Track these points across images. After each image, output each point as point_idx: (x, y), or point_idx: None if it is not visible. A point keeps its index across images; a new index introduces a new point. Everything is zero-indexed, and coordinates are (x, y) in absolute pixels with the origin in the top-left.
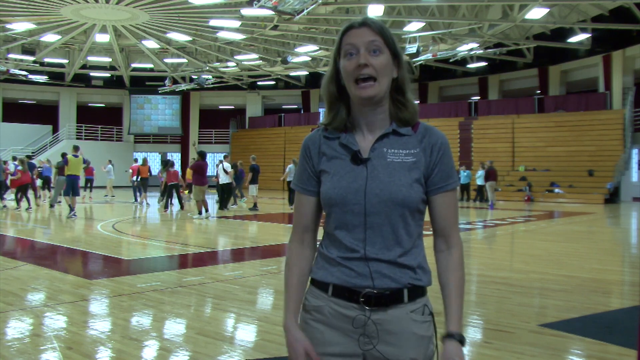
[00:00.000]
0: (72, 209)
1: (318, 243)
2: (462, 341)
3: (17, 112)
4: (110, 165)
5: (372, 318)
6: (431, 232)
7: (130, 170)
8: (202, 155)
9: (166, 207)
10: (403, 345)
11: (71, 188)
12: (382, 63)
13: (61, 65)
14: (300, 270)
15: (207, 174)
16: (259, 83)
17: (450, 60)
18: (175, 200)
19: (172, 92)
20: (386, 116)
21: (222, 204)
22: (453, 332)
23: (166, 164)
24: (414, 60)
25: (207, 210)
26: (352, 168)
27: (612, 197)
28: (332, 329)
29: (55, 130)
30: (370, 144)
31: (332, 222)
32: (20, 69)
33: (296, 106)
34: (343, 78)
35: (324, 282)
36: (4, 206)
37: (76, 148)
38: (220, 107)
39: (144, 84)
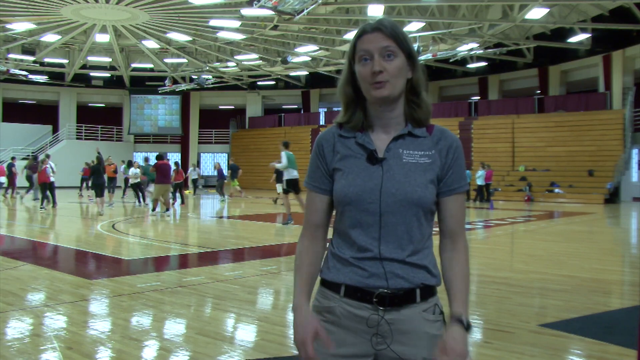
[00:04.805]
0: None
1: (327, 243)
2: (468, 327)
3: (17, 112)
4: (124, 166)
5: (385, 317)
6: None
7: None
8: (161, 157)
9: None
10: (416, 345)
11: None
12: (397, 67)
13: (61, 65)
14: (310, 259)
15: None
16: (259, 83)
17: (450, 60)
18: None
19: (172, 92)
20: (401, 117)
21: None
22: (458, 314)
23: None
24: None
25: (154, 210)
26: (367, 167)
27: (612, 197)
28: (343, 330)
29: (55, 130)
30: (386, 144)
31: (345, 220)
32: (20, 69)
33: (296, 106)
34: (359, 81)
35: (335, 282)
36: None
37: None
38: (220, 107)
39: (144, 84)
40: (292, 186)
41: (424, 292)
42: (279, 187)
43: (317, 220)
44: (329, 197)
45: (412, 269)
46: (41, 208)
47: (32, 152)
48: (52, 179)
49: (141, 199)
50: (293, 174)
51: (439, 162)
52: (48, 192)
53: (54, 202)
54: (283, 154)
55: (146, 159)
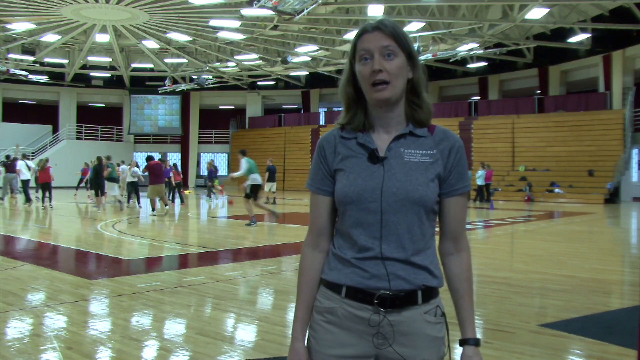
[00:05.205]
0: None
1: None
2: (477, 344)
3: (17, 112)
4: (123, 166)
5: (387, 318)
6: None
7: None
8: (152, 157)
9: (174, 201)
10: (417, 347)
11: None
12: (397, 66)
13: (61, 65)
14: (312, 277)
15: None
16: (259, 83)
17: (450, 60)
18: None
19: (172, 92)
20: (402, 117)
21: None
22: (469, 337)
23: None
24: None
25: (153, 210)
26: (368, 166)
27: (612, 197)
28: (345, 331)
29: (55, 130)
30: (387, 144)
31: (346, 220)
32: (20, 69)
33: (296, 106)
34: (359, 81)
35: (336, 283)
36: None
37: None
38: (220, 107)
39: (144, 84)
40: (254, 192)
41: (426, 293)
42: (267, 187)
43: (320, 223)
44: (331, 198)
45: (413, 270)
46: (43, 207)
47: (32, 152)
48: (28, 176)
49: (131, 199)
50: (256, 179)
51: (441, 162)
52: (23, 189)
53: (28, 200)
54: (243, 161)
55: (108, 157)
